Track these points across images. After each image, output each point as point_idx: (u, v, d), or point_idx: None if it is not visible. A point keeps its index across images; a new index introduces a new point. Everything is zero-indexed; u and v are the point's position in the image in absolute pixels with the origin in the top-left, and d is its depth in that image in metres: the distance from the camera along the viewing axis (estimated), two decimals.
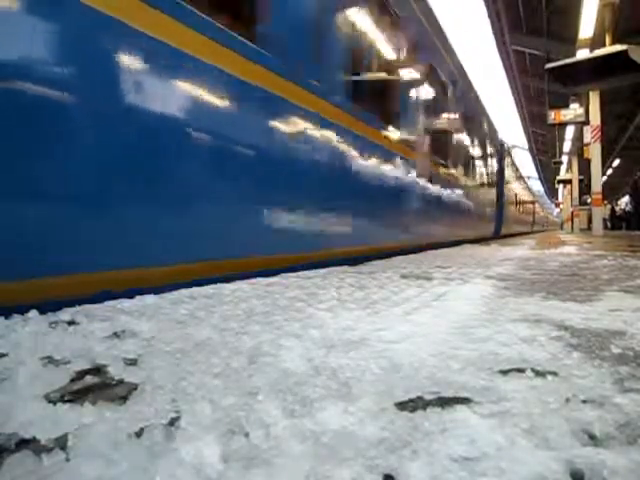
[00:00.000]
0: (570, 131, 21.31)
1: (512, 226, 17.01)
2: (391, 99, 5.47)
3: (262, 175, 2.89)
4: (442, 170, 7.42)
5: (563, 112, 16.14)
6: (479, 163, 10.81)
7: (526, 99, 23.38)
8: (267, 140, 2.97)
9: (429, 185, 6.57)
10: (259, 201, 2.90)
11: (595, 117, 13.64)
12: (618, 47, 7.67)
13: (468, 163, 9.58)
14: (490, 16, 15.39)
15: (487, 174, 11.84)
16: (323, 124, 3.67)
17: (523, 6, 15.13)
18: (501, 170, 14.14)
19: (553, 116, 16.21)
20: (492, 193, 12.60)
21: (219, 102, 2.54)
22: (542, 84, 20.04)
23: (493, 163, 12.74)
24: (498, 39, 16.81)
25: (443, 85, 7.51)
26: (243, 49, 2.70)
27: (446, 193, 7.65)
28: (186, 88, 2.29)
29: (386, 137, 5.10)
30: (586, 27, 11.49)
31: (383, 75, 5.21)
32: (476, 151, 10.44)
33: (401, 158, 5.48)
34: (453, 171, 8.19)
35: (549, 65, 8.90)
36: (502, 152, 14.44)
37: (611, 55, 7.70)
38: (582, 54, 10.42)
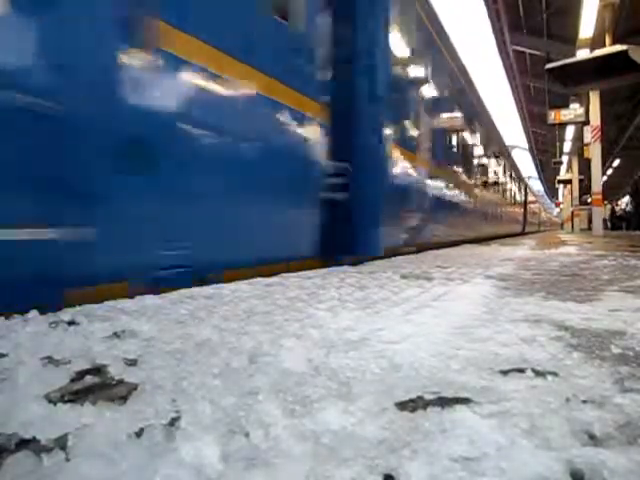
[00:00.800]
0: (570, 131, 21.29)
1: (529, 227, 28.00)
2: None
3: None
4: (512, 205, 17.69)
5: (563, 112, 16.14)
6: (517, 194, 21.11)
7: (526, 99, 23.35)
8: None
9: (509, 208, 16.08)
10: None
11: (595, 117, 13.65)
12: (618, 47, 7.67)
13: (515, 195, 19.89)
14: (490, 16, 15.37)
15: (520, 200, 22.91)
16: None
17: (523, 6, 15.11)
18: (525, 197, 25.65)
19: (553, 116, 16.22)
20: (521, 208, 23.67)
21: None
22: (542, 84, 20.01)
23: (522, 193, 23.96)
24: (498, 39, 16.79)
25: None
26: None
27: (512, 210, 17.90)
28: None
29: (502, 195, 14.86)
30: (586, 27, 11.49)
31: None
32: (518, 190, 21.54)
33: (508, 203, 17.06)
34: (512, 203, 18.53)
35: (549, 65, 8.91)
36: (526, 187, 26.76)
37: (611, 55, 7.70)
38: (582, 54, 10.43)
